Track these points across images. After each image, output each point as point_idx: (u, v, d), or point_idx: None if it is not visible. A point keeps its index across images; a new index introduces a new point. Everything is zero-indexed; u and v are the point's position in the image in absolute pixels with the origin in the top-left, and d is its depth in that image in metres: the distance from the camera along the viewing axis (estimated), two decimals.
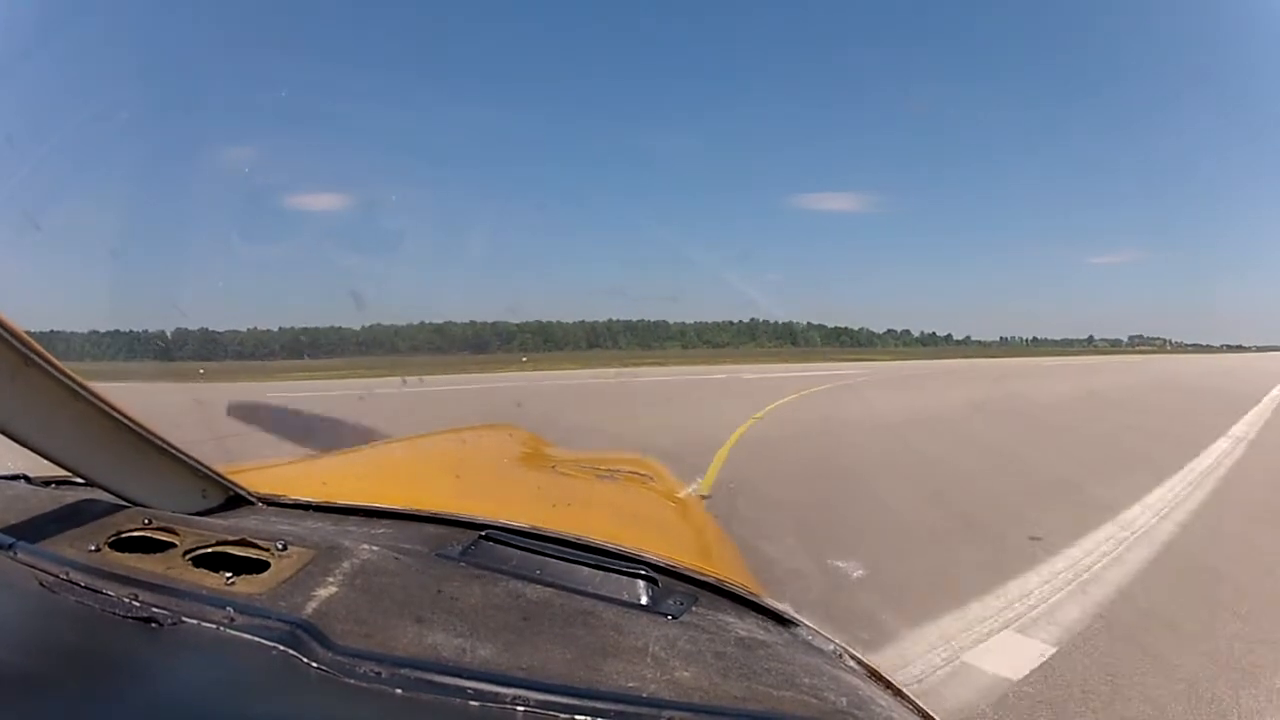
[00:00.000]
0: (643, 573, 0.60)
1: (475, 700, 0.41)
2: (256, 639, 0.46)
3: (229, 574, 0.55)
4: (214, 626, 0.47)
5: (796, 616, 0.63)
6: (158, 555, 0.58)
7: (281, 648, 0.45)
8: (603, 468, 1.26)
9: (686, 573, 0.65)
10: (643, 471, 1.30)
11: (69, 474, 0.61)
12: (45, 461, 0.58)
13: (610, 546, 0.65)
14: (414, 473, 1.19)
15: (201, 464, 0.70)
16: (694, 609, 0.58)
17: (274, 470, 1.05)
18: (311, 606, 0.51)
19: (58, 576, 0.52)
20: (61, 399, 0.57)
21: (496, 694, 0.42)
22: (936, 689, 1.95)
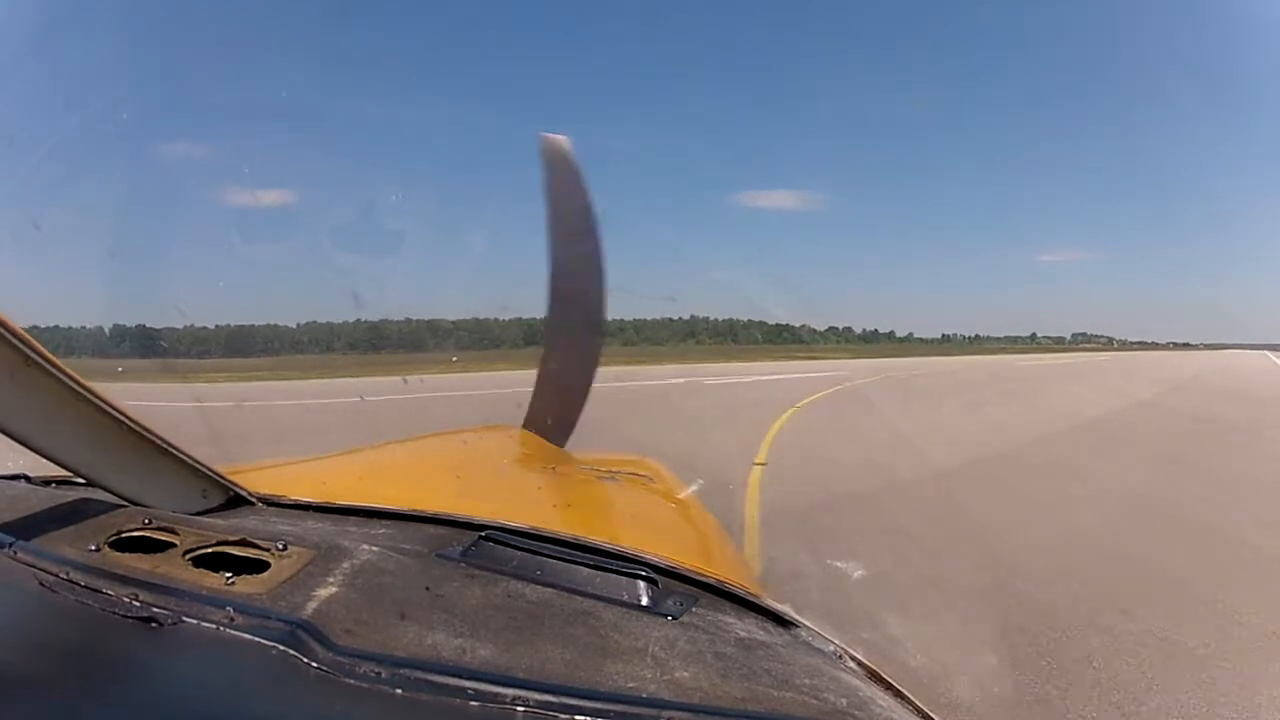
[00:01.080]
0: (643, 573, 0.60)
1: (475, 700, 0.41)
2: (256, 639, 0.46)
3: (229, 574, 0.55)
4: (214, 626, 0.47)
5: (796, 617, 0.63)
6: (158, 555, 0.58)
7: (281, 648, 0.45)
8: (603, 468, 1.26)
9: (686, 573, 0.65)
10: (643, 472, 1.30)
11: (69, 474, 0.61)
12: (45, 461, 0.58)
13: (610, 547, 0.65)
14: (414, 473, 1.19)
15: (201, 464, 0.70)
16: (694, 610, 0.58)
17: (274, 470, 1.05)
18: (311, 606, 0.51)
19: (58, 576, 0.52)
20: (62, 399, 0.57)
21: (496, 694, 0.41)
22: None
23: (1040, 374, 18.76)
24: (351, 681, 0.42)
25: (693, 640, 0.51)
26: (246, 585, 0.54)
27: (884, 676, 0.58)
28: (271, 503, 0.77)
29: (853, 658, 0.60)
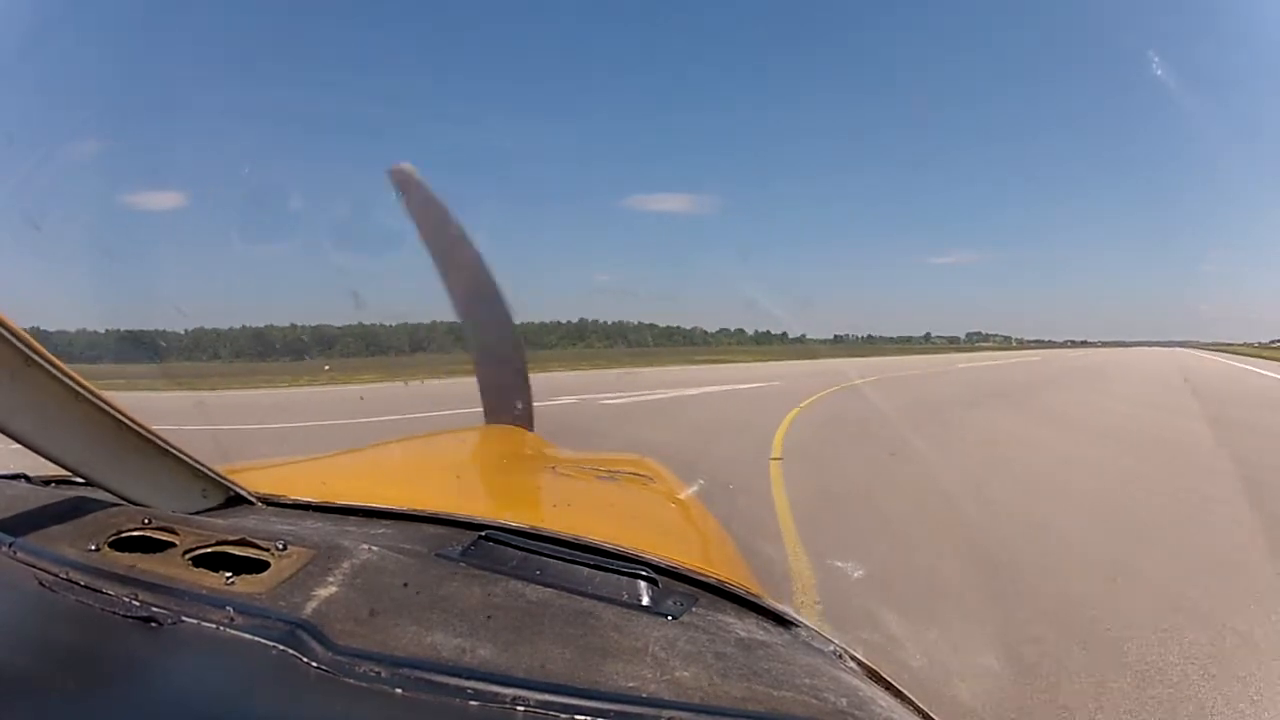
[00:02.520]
0: (643, 573, 0.60)
1: (475, 700, 0.41)
2: (256, 639, 0.46)
3: (229, 574, 0.55)
4: (214, 626, 0.47)
5: (797, 617, 0.63)
6: (157, 555, 0.58)
7: (281, 647, 0.45)
8: (603, 468, 1.26)
9: (686, 573, 0.64)
10: (643, 472, 1.30)
11: (69, 473, 0.61)
12: (45, 461, 0.58)
13: (610, 547, 0.65)
14: (414, 473, 1.19)
15: (201, 464, 0.70)
16: (694, 609, 0.58)
17: (274, 470, 1.05)
18: (311, 606, 0.51)
19: (57, 576, 0.52)
20: (62, 399, 0.57)
21: (496, 694, 0.41)
22: None
23: (1016, 379, 16.90)
24: (351, 681, 0.42)
25: (693, 640, 0.51)
26: (246, 585, 0.54)
27: (884, 676, 0.58)
28: (271, 502, 0.77)
29: (853, 657, 0.60)
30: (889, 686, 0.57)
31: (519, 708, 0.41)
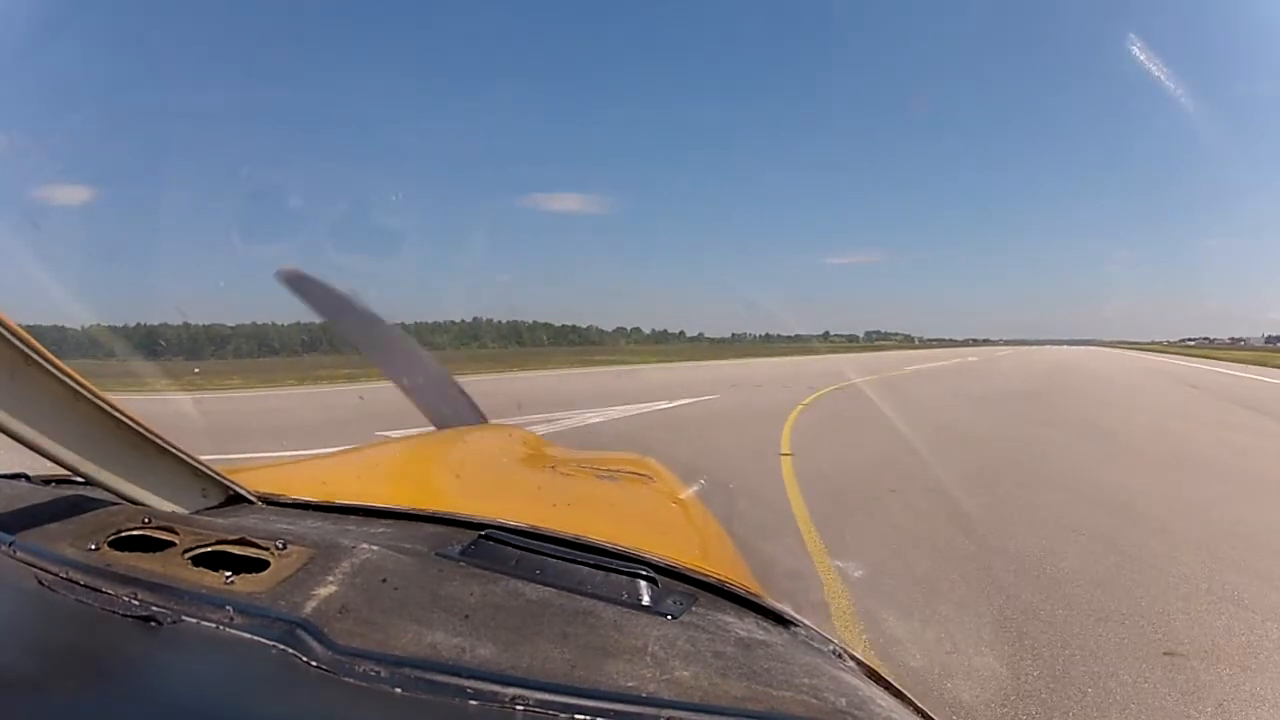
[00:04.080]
0: (643, 573, 0.60)
1: (475, 700, 0.41)
2: (256, 638, 0.46)
3: (228, 573, 0.55)
4: (213, 626, 0.47)
5: (796, 616, 0.63)
6: (157, 554, 0.58)
7: (281, 647, 0.45)
8: (603, 468, 1.26)
9: (686, 573, 0.65)
10: (643, 472, 1.30)
11: (69, 473, 0.61)
12: (45, 460, 0.58)
13: (610, 546, 0.65)
14: (414, 472, 1.19)
15: (201, 463, 0.70)
16: (693, 609, 0.58)
17: (274, 469, 1.05)
18: (311, 606, 0.51)
19: (57, 575, 0.52)
20: (61, 398, 0.57)
21: (496, 693, 0.42)
22: None
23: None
24: (351, 681, 0.42)
25: (692, 639, 0.51)
26: (246, 584, 0.54)
27: (884, 676, 0.58)
28: (271, 501, 0.77)
29: (852, 657, 0.60)
30: (888, 686, 0.57)
31: (518, 707, 0.41)
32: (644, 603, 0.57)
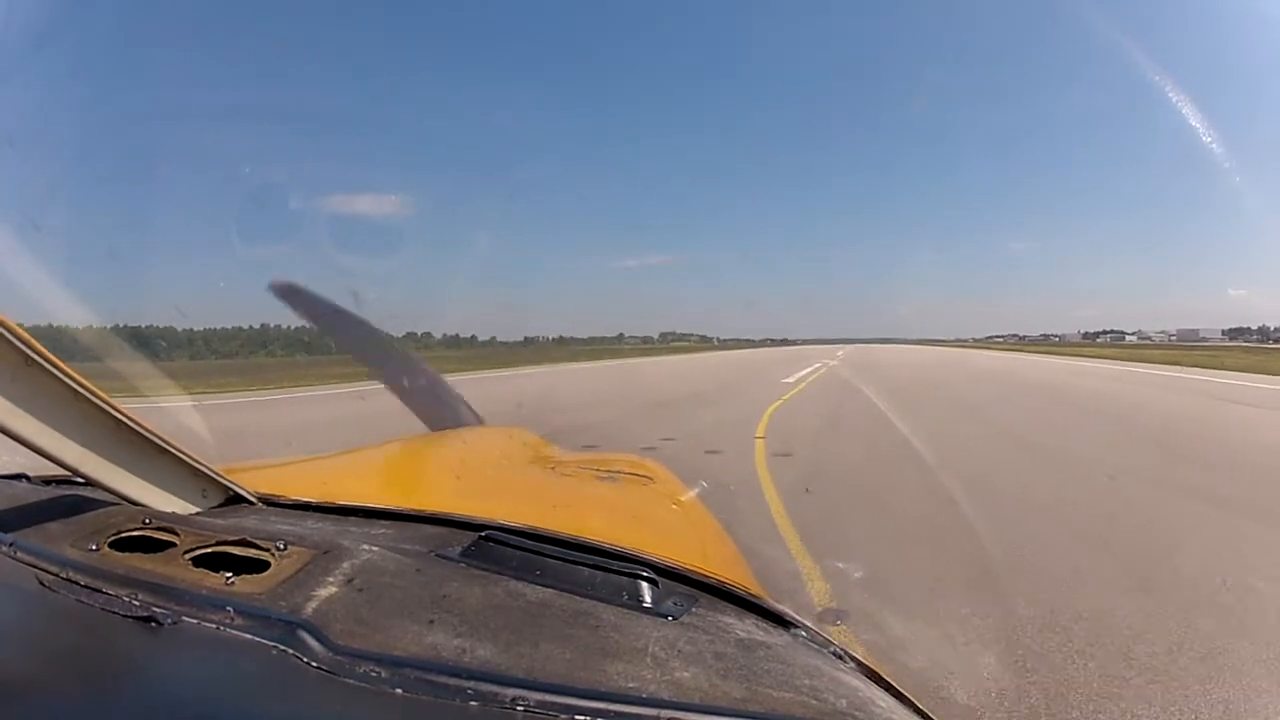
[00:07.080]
0: (643, 573, 0.60)
1: (475, 700, 0.41)
2: (256, 639, 0.46)
3: (229, 574, 0.55)
4: (214, 626, 0.47)
5: (796, 618, 0.63)
6: (158, 555, 0.58)
7: (281, 648, 0.45)
8: (603, 469, 1.26)
9: (686, 573, 0.64)
10: (643, 472, 1.30)
11: (69, 473, 0.61)
12: (45, 461, 0.58)
13: (610, 547, 0.65)
14: (414, 473, 1.19)
15: (201, 463, 0.70)
16: (694, 610, 0.58)
17: (274, 470, 1.05)
18: (311, 606, 0.51)
19: (58, 576, 0.52)
20: (62, 399, 0.57)
21: (496, 694, 0.41)
22: None
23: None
24: (351, 681, 0.42)
25: (693, 640, 0.51)
26: (246, 585, 0.54)
27: (884, 677, 0.58)
28: (271, 502, 0.77)
29: (852, 658, 0.60)
30: (889, 687, 0.57)
31: (519, 707, 0.40)
32: (644, 604, 0.57)
